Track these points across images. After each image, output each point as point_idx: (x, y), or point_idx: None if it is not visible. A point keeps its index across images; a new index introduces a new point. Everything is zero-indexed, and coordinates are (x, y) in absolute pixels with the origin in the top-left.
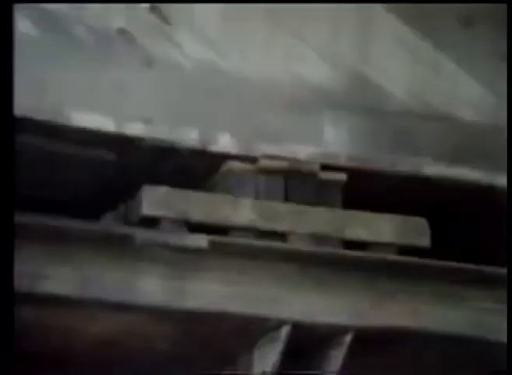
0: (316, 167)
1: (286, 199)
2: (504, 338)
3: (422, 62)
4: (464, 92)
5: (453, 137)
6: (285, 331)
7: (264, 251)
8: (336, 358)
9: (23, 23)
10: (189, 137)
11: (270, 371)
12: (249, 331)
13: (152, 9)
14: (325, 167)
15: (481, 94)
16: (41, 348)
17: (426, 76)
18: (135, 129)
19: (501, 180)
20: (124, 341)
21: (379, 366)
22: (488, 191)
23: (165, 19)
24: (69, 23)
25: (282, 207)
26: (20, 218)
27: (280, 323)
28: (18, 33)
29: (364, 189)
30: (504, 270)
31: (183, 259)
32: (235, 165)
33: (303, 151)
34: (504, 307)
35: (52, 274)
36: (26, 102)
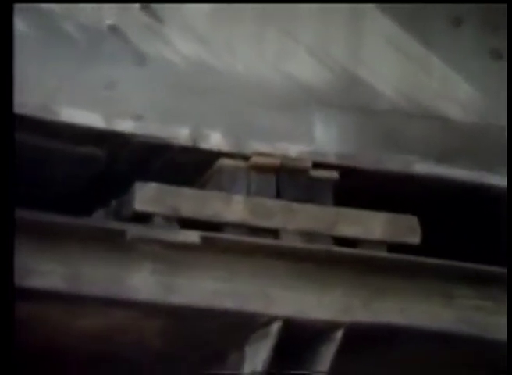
0: (308, 165)
1: (278, 196)
2: (494, 335)
3: (412, 61)
4: (452, 91)
5: (441, 135)
6: (276, 327)
7: (255, 247)
8: (327, 354)
9: (14, 20)
10: (180, 134)
11: (261, 368)
12: (240, 327)
13: (144, 8)
14: (317, 165)
15: (469, 92)
16: (32, 344)
17: (415, 75)
18: (126, 126)
19: (489, 179)
20: (114, 337)
21: (370, 363)
22: (476, 189)
23: (157, 17)
24: (60, 20)
25: (274, 204)
26: None
27: (271, 320)
28: None
29: (353, 187)
30: (494, 268)
31: (174, 255)
32: (226, 162)
33: (294, 149)
34: (494, 304)
35: (43, 269)
36: (16, 99)
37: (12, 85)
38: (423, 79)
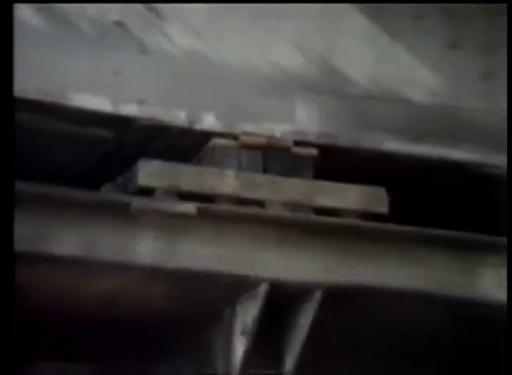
0: (290, 143)
1: (265, 171)
2: (469, 294)
3: (381, 52)
4: (416, 77)
5: (407, 116)
6: (263, 288)
7: (244, 216)
8: (309, 312)
9: (30, 14)
10: (178, 116)
11: (251, 324)
12: (232, 288)
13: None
14: (298, 143)
15: (431, 78)
16: (41, 307)
17: (384, 64)
18: (130, 109)
19: (452, 154)
20: (120, 299)
21: (348, 320)
22: (441, 164)
23: (157, 13)
24: (72, 15)
25: (261, 178)
26: (29, 187)
27: (259, 281)
28: (26, 22)
29: (332, 164)
30: (462, 233)
31: (174, 224)
32: (219, 141)
33: (278, 129)
34: (468, 267)
35: (59, 236)
36: (32, 85)
37: (12, 75)
38: (391, 67)
